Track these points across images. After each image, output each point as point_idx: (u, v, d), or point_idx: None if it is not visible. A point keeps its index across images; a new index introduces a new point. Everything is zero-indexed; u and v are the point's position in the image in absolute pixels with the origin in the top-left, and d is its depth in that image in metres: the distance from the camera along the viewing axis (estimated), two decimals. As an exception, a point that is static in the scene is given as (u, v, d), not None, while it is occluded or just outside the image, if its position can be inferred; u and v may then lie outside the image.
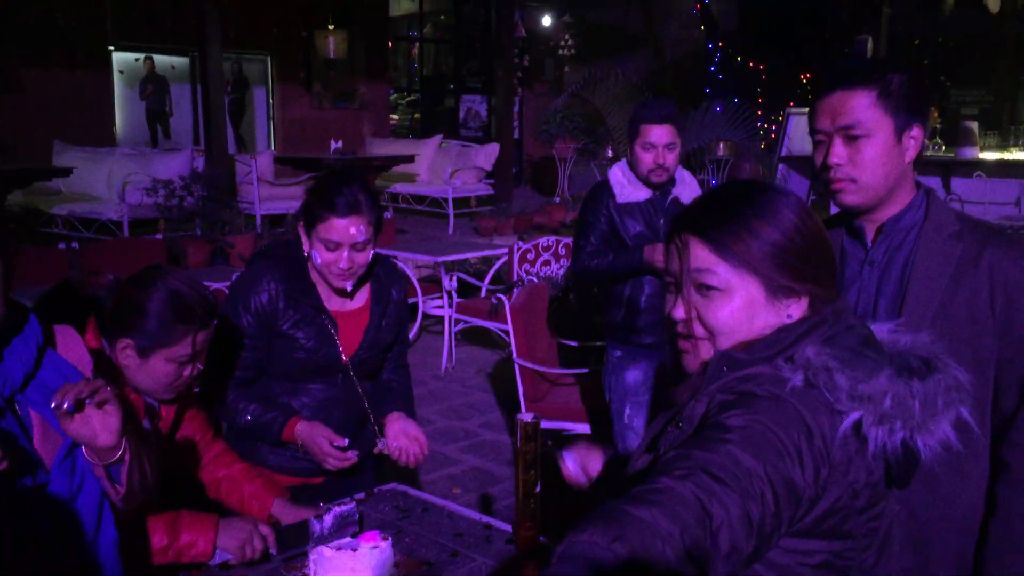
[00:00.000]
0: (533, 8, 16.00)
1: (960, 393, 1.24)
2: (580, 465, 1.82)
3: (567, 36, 15.91)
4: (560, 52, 15.88)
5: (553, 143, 12.92)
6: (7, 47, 11.13)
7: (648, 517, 1.04)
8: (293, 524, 2.14)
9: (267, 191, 10.63)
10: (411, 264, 7.38)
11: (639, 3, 16.11)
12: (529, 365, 4.48)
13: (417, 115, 17.88)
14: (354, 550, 2.00)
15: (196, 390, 2.20)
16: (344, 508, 2.04)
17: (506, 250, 7.01)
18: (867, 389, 1.21)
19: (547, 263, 6.82)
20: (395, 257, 7.14)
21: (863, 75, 1.77)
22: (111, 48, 12.84)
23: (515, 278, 6.54)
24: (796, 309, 1.31)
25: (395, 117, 17.51)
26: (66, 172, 8.76)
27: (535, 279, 6.38)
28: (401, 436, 2.48)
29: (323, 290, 2.43)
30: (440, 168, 12.85)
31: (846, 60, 1.87)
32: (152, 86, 14.28)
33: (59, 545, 1.56)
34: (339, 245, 2.31)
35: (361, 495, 2.49)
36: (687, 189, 3.64)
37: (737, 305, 1.29)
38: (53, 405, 1.48)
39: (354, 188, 2.32)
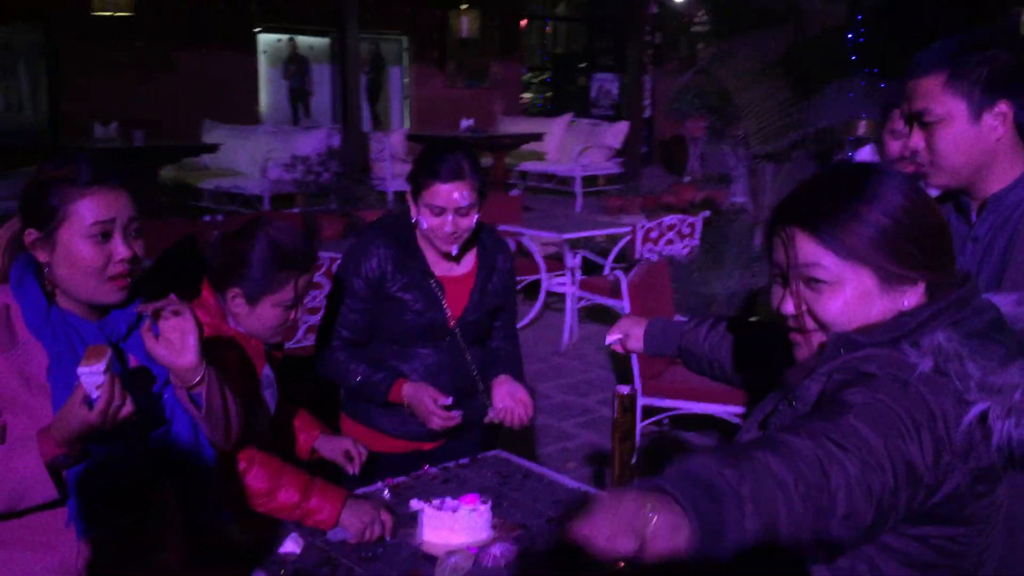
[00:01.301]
0: (668, -16, 15.77)
1: None
2: (621, 336, 2.08)
3: (702, 12, 15.60)
4: (694, 28, 15.61)
5: (683, 121, 12.75)
6: (162, 32, 11.77)
7: (765, 459, 1.04)
8: (405, 514, 2.22)
9: (399, 168, 10.92)
10: (537, 241, 7.44)
11: (778, -23, 15.63)
12: (645, 343, 4.48)
13: (549, 94, 17.94)
14: (454, 511, 2.09)
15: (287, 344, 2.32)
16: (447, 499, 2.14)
17: (631, 228, 7.00)
18: (998, 380, 1.18)
19: (671, 242, 6.76)
20: (521, 234, 7.22)
21: (933, 61, 1.75)
22: (256, 30, 13.42)
23: (637, 256, 6.52)
24: (912, 296, 1.27)
25: (527, 96, 17.64)
26: (212, 148, 9.24)
27: (655, 257, 6.35)
28: (507, 398, 2.55)
29: (430, 256, 2.53)
30: (569, 146, 12.88)
31: (927, 48, 1.83)
32: (294, 66, 14.81)
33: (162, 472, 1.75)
34: (443, 210, 2.41)
35: (465, 460, 2.58)
36: None
37: (848, 296, 1.26)
38: (137, 310, 1.68)
39: (458, 155, 2.43)
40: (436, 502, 2.12)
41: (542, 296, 7.27)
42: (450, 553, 1.97)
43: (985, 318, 1.26)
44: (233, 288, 2.08)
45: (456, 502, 2.11)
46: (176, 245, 2.04)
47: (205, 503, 1.80)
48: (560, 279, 7.20)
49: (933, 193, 2.25)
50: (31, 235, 1.64)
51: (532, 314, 7.24)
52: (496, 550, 2.00)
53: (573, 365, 6.49)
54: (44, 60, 11.56)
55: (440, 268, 2.55)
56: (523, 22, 16.56)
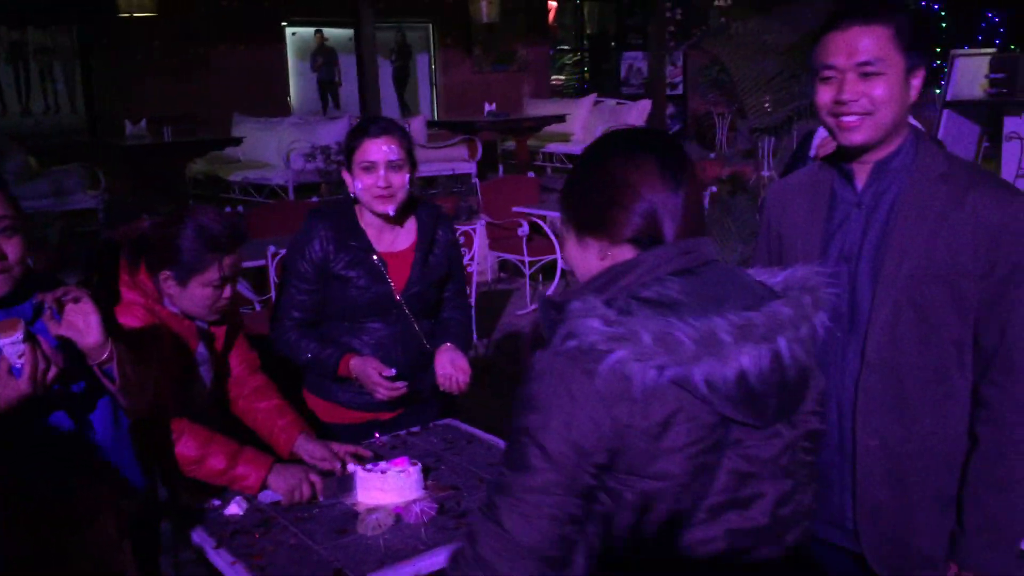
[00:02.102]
0: (694, -41, 15.62)
1: (774, 329, 1.23)
2: None
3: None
4: (717, 3, 15.45)
5: (709, 97, 12.70)
6: (190, 30, 12.05)
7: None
8: (341, 477, 2.34)
9: (420, 154, 10.98)
10: (554, 222, 7.52)
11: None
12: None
13: (583, 74, 17.93)
14: (383, 472, 2.22)
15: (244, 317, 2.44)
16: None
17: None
18: (621, 331, 1.18)
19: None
20: (544, 217, 7.31)
21: (881, 12, 1.74)
22: (284, 24, 13.65)
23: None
24: (616, 254, 1.33)
25: (562, 77, 17.64)
26: (236, 141, 9.46)
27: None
28: (448, 365, 2.66)
29: (371, 233, 2.65)
30: (593, 127, 12.91)
31: None
32: (321, 58, 15.01)
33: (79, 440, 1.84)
34: (374, 164, 2.54)
35: (416, 428, 2.71)
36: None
37: (565, 249, 1.41)
38: (36, 301, 1.76)
39: (386, 119, 2.66)
40: (369, 465, 2.26)
41: (558, 274, 7.41)
42: (371, 510, 2.10)
43: (685, 281, 1.26)
44: (165, 271, 2.23)
45: (387, 464, 2.24)
46: (101, 244, 2.21)
47: (131, 471, 1.93)
48: (573, 258, 7.29)
49: (827, 148, 2.23)
50: None
51: (550, 292, 7.37)
52: (417, 507, 2.13)
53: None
54: (79, 62, 11.92)
55: (381, 244, 2.66)
56: (552, 4, 16.55)
